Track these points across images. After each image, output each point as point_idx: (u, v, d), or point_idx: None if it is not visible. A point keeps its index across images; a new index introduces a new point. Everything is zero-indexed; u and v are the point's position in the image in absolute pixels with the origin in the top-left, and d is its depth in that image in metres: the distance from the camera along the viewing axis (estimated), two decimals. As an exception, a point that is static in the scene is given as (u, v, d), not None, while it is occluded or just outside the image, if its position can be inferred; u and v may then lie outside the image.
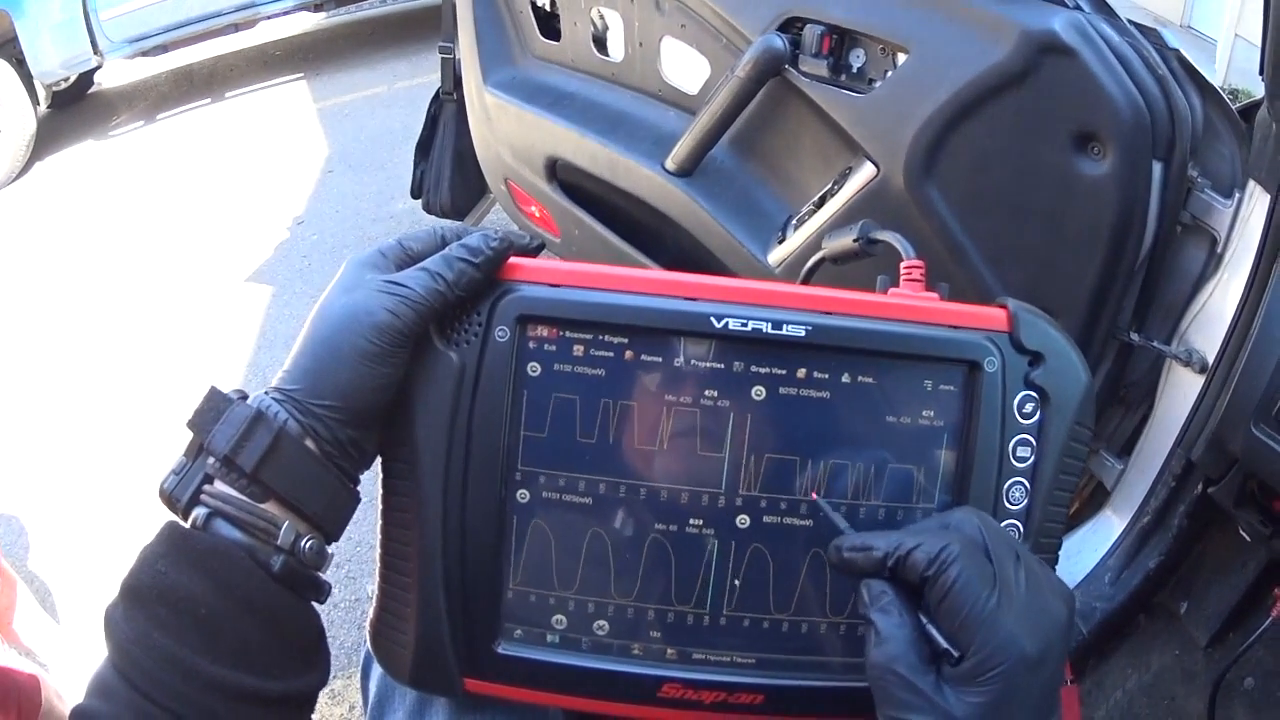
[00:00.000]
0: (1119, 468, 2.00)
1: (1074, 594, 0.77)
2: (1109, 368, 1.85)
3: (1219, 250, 1.70)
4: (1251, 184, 1.61)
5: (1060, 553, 1.97)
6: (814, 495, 0.87)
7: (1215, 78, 3.78)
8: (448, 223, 1.83)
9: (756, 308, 0.86)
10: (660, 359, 0.87)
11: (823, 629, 0.90)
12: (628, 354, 0.87)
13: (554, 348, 0.87)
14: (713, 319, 0.85)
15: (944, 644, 0.70)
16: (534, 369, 0.87)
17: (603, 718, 0.96)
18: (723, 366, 0.87)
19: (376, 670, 1.04)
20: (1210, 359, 1.68)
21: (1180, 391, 1.80)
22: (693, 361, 0.87)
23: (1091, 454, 2.04)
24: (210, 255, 4.83)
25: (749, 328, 0.85)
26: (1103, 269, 1.64)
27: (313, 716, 0.85)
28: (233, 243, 4.90)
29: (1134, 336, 1.78)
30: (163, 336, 4.21)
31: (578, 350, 0.87)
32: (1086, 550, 2.02)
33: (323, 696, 2.36)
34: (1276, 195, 1.50)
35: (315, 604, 0.85)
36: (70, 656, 2.17)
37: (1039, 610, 0.71)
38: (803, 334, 0.85)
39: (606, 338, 0.86)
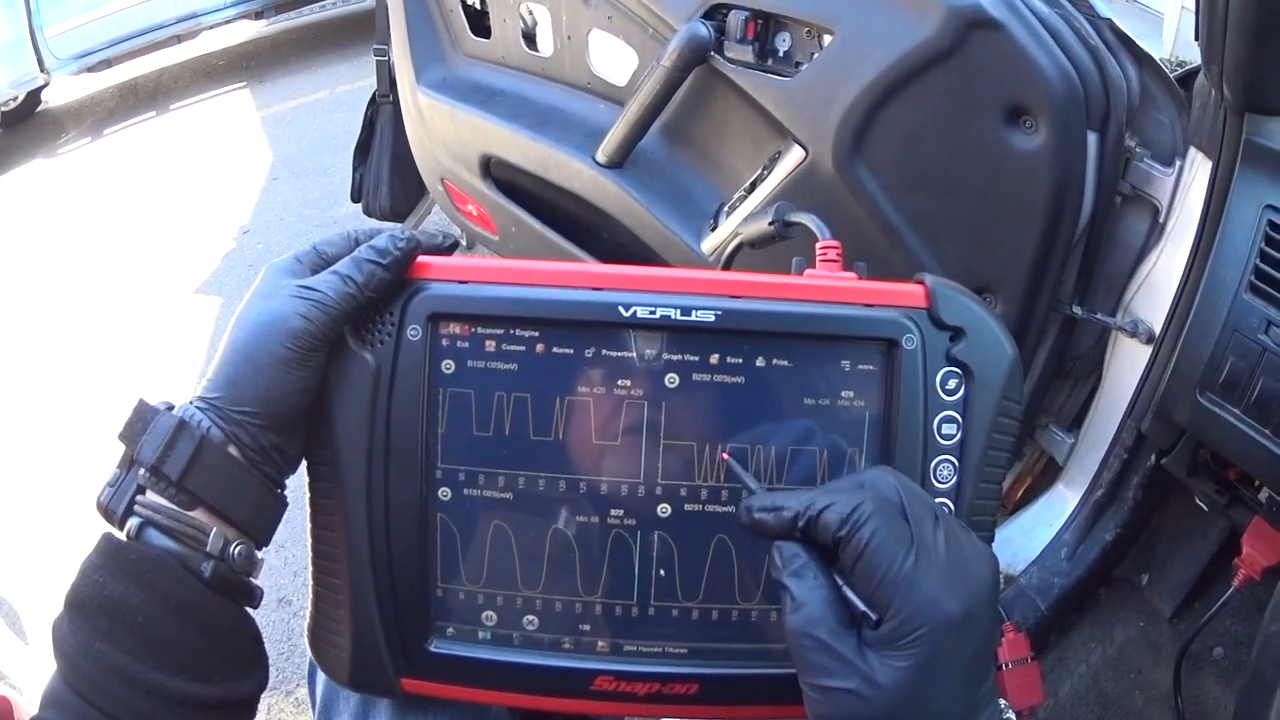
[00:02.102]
0: (1070, 441, 2.00)
1: (998, 558, 0.74)
2: (1052, 342, 1.85)
3: (1161, 219, 1.70)
4: (1193, 151, 1.61)
5: (1015, 529, 2.00)
6: (724, 454, 0.86)
7: (1163, 49, 3.80)
8: (381, 224, 1.79)
9: (665, 295, 0.85)
10: (572, 351, 0.86)
11: (753, 615, 0.89)
12: (539, 347, 0.86)
13: (466, 344, 0.86)
14: (620, 308, 0.84)
15: (862, 607, 0.68)
16: (448, 366, 0.86)
17: (545, 715, 0.96)
18: (634, 355, 0.86)
19: (321, 674, 1.02)
20: (1157, 329, 1.68)
21: (1128, 363, 1.80)
22: (604, 352, 0.86)
23: (1041, 429, 2.04)
24: (159, 268, 4.79)
25: (657, 315, 0.84)
26: (1040, 243, 1.63)
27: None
28: (180, 254, 4.86)
29: (1077, 310, 1.78)
30: (116, 350, 4.19)
31: (490, 346, 0.86)
32: (1041, 526, 2.02)
33: (288, 705, 2.35)
34: (1218, 161, 1.50)
35: (249, 609, 0.85)
36: (42, 678, 2.16)
37: (961, 571, 0.69)
38: (712, 319, 0.84)
39: (517, 332, 0.85)
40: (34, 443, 3.71)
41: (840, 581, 0.70)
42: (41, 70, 6.86)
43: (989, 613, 0.70)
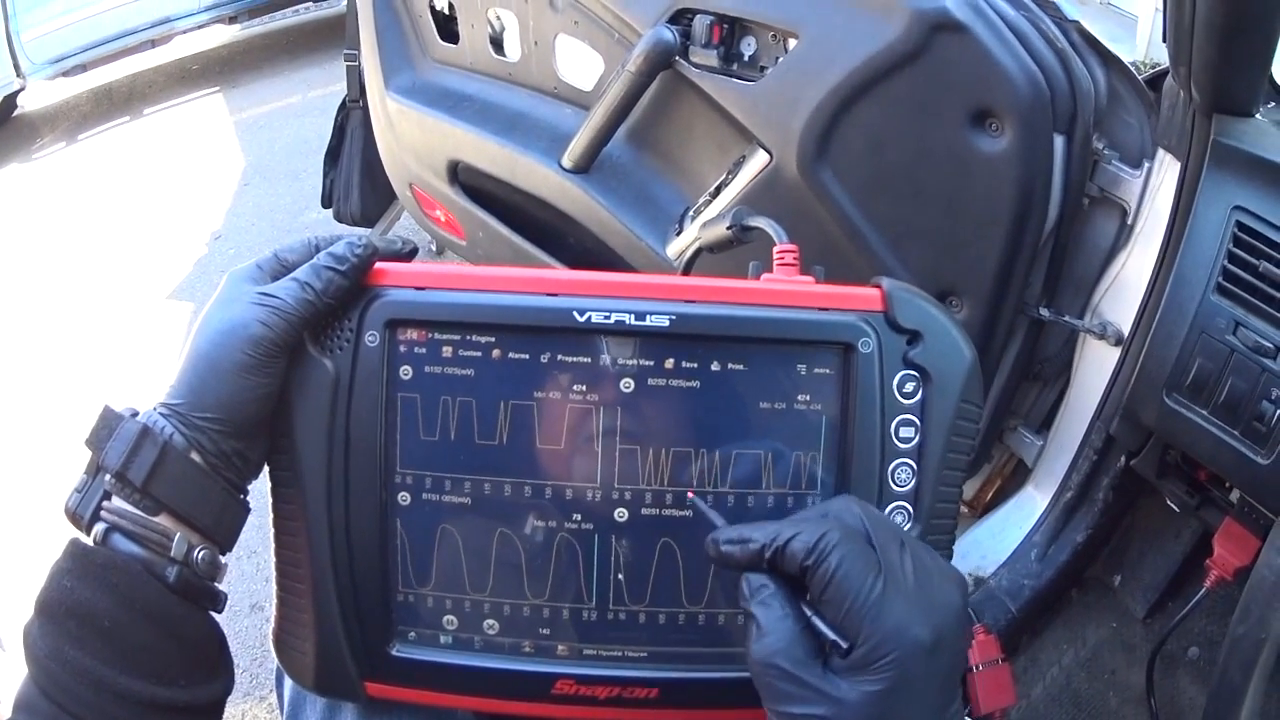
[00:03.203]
0: (1039, 443, 2.01)
1: (966, 579, 0.74)
2: (1020, 344, 1.85)
3: (1129, 221, 1.70)
4: (1161, 153, 1.62)
5: (984, 531, 2.00)
6: (690, 493, 0.86)
7: (1136, 53, 3.82)
8: (343, 229, 1.77)
9: (619, 300, 0.85)
10: (527, 356, 0.86)
11: (711, 619, 0.89)
12: (495, 353, 0.86)
13: (424, 350, 0.86)
14: (575, 313, 0.85)
15: (831, 635, 0.68)
16: (405, 372, 0.86)
17: (509, 718, 0.96)
18: (589, 360, 0.86)
19: (288, 678, 1.02)
20: (1125, 331, 1.68)
21: (1096, 365, 1.80)
22: (559, 357, 0.86)
23: (1010, 431, 2.04)
24: (131, 273, 4.77)
25: (612, 320, 0.84)
26: (1006, 246, 1.63)
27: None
28: (153, 260, 4.84)
29: (1044, 312, 1.77)
30: (88, 355, 4.18)
31: (447, 351, 0.86)
32: (1010, 528, 2.03)
33: (261, 711, 2.34)
34: (1186, 162, 1.50)
35: (215, 614, 0.86)
36: (16, 682, 2.15)
37: (930, 596, 0.69)
38: (666, 324, 0.84)
39: (474, 337, 0.86)
40: (5, 447, 3.69)
41: (809, 612, 0.70)
42: (17, 75, 6.81)
43: (958, 634, 0.70)
